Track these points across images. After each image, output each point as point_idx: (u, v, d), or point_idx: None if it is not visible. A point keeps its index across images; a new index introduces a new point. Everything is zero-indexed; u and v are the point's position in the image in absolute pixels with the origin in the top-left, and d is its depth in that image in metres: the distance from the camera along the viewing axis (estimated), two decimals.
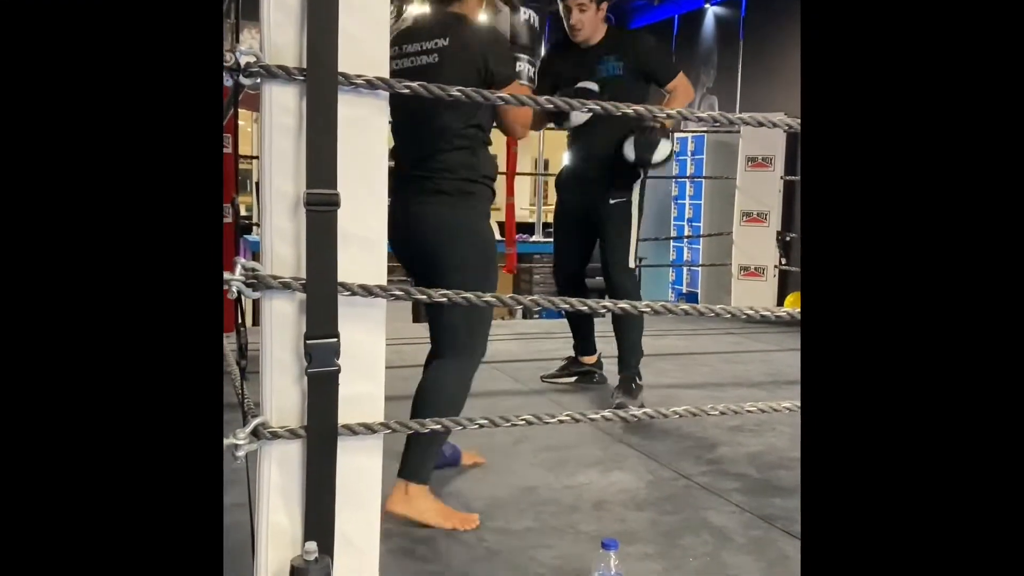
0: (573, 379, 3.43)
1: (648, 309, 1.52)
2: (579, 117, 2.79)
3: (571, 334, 3.43)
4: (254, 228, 5.73)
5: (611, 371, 3.26)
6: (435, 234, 2.01)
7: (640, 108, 1.50)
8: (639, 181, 3.03)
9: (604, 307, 1.46)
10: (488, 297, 1.39)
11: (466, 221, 2.03)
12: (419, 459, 1.96)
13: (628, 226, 3.03)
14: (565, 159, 3.29)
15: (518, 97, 1.48)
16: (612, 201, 3.03)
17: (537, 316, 6.19)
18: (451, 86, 1.38)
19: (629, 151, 2.85)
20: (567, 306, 1.41)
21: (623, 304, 1.48)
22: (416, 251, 2.05)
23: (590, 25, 2.95)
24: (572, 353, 3.47)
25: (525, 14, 2.13)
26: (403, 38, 2.04)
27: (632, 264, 3.05)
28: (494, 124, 2.13)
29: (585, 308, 1.44)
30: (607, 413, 1.51)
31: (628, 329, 3.09)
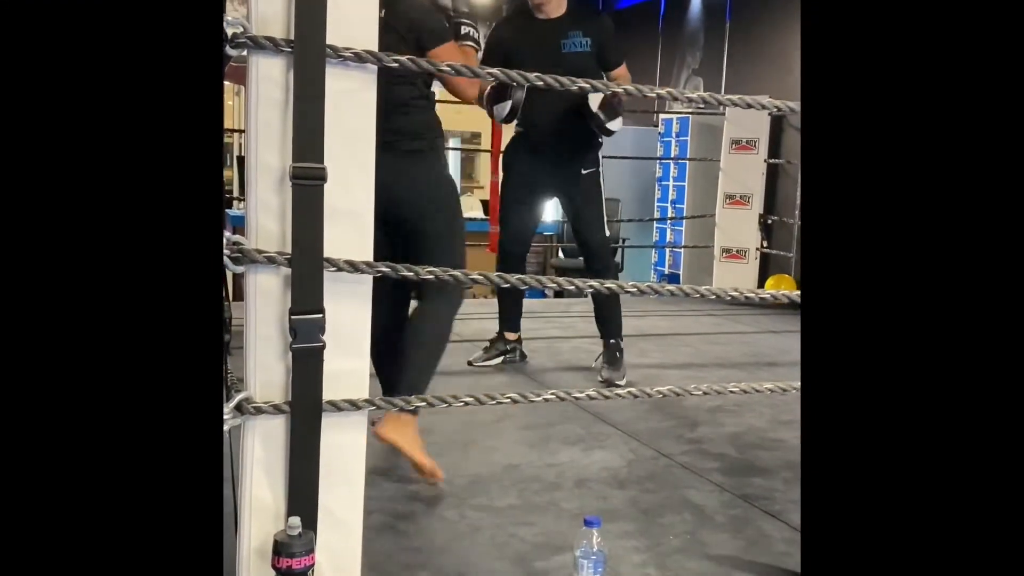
0: (500, 359, 3.38)
1: (634, 290, 1.53)
2: (503, 111, 2.74)
3: (497, 310, 3.41)
4: (235, 202, 5.68)
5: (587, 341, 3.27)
6: (416, 189, 2.15)
7: (613, 86, 1.49)
8: (599, 149, 3.07)
9: (591, 286, 1.46)
10: (475, 275, 1.38)
11: (441, 173, 2.23)
12: (415, 390, 2.05)
13: (599, 195, 3.06)
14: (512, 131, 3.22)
15: (467, 69, 1.45)
16: (584, 172, 3.03)
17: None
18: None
19: (594, 106, 2.83)
20: (553, 285, 1.41)
21: (609, 284, 1.48)
22: (395, 211, 2.12)
23: None
24: (498, 331, 3.43)
25: None
26: None
27: (607, 231, 3.11)
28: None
29: (572, 287, 1.44)
30: (591, 392, 1.52)
31: (612, 302, 3.15)
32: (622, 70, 3.02)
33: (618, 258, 6.35)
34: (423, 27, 2.07)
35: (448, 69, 1.42)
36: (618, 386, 2.89)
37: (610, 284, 1.47)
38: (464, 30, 2.18)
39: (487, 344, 3.42)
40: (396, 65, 1.32)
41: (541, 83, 1.44)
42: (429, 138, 2.18)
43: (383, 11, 1.99)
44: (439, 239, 2.17)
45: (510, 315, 3.39)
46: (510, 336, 3.40)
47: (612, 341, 3.12)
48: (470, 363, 3.36)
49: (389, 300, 2.25)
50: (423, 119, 2.17)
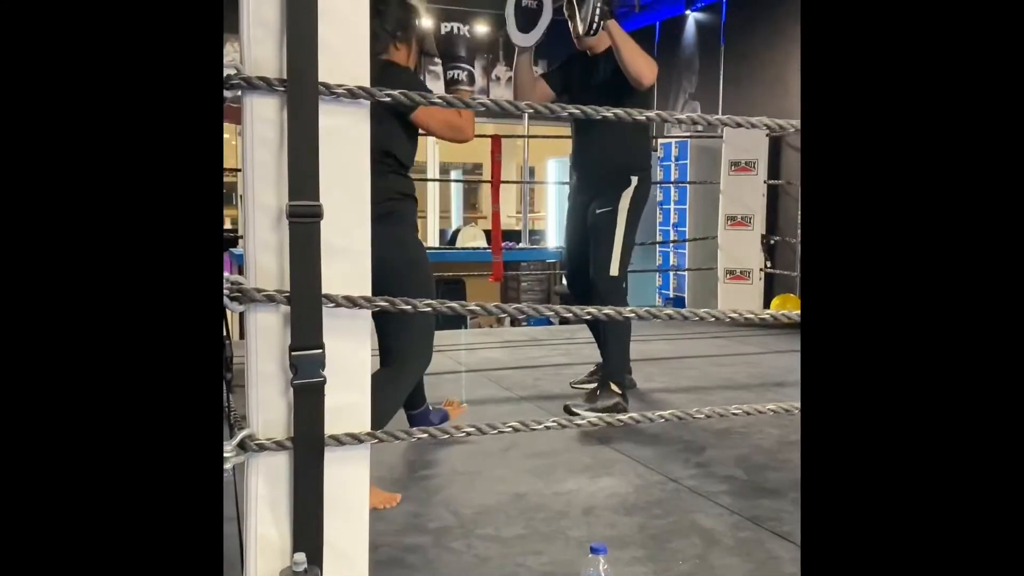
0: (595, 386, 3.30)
1: (632, 315, 1.53)
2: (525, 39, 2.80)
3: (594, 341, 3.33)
4: (239, 241, 5.70)
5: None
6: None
7: (620, 112, 1.50)
8: (630, 189, 2.98)
9: (589, 312, 1.47)
10: (472, 306, 1.39)
11: (393, 236, 2.16)
12: None
13: (610, 235, 2.98)
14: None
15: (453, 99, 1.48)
16: (598, 211, 3.02)
17: (524, 324, 6.19)
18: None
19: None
20: (551, 313, 1.42)
21: (608, 310, 1.49)
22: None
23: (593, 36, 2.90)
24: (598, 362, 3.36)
25: (448, 26, 2.21)
26: None
27: (614, 272, 2.98)
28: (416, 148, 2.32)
29: (570, 315, 1.45)
30: (593, 419, 1.52)
31: (608, 341, 3.01)
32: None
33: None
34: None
35: (440, 101, 1.44)
36: (578, 415, 2.61)
37: (608, 310, 1.47)
38: (450, 75, 2.17)
39: (592, 369, 3.43)
40: (389, 100, 1.34)
41: (532, 110, 1.47)
42: (392, 202, 2.20)
43: None
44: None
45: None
46: None
47: (604, 382, 2.95)
48: (572, 384, 3.42)
49: None
50: (383, 184, 2.14)
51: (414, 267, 2.23)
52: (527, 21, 2.81)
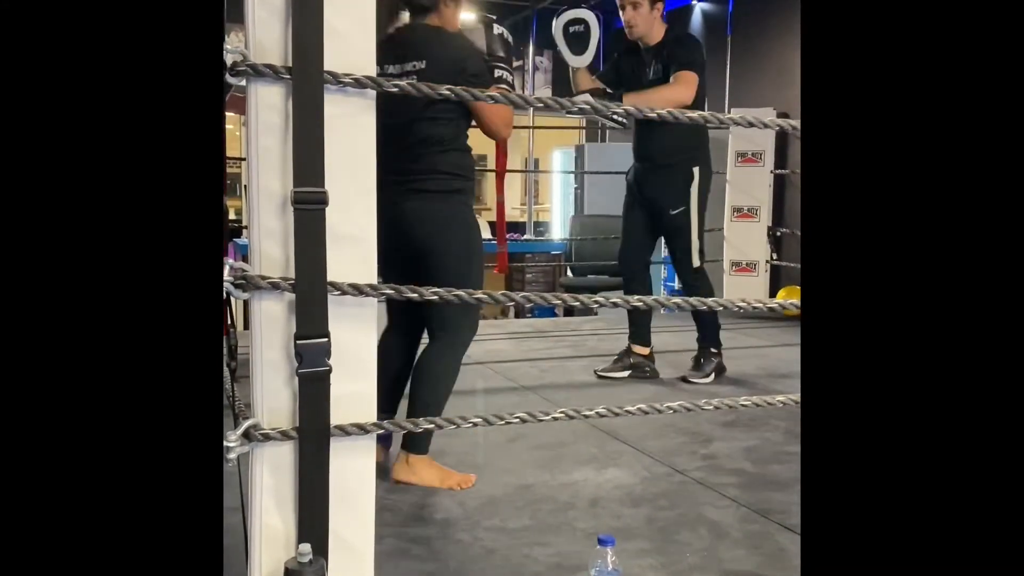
0: (627, 373, 3.43)
1: (640, 303, 1.52)
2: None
3: (627, 323, 3.50)
4: (243, 231, 5.69)
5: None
6: (426, 227, 2.18)
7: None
8: (695, 183, 3.21)
9: (597, 303, 1.45)
10: (479, 294, 1.38)
11: (457, 214, 2.22)
12: (419, 434, 2.15)
13: (688, 232, 3.25)
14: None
15: (499, 95, 1.47)
16: (673, 212, 3.24)
17: (530, 315, 6.18)
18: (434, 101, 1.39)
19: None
20: (558, 302, 1.40)
21: (615, 299, 1.47)
22: (405, 248, 2.18)
23: (644, 23, 3.07)
24: (627, 346, 3.49)
25: (498, 29, 2.24)
26: (382, 57, 2.08)
27: (696, 263, 3.28)
28: (471, 125, 2.26)
29: (578, 303, 1.44)
30: (601, 409, 1.50)
31: (701, 316, 3.36)
32: (677, 76, 3.03)
33: None
34: (465, 71, 2.08)
35: (448, 93, 1.42)
36: (693, 383, 3.32)
37: (615, 299, 1.46)
38: (498, 74, 2.18)
39: (616, 356, 3.48)
40: (396, 90, 1.33)
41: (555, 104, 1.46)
42: (460, 179, 2.20)
43: (424, 61, 2.12)
44: (453, 279, 2.12)
45: (638, 328, 3.46)
46: (639, 350, 3.46)
47: (703, 344, 3.41)
48: (597, 374, 3.44)
49: (404, 339, 2.35)
50: (454, 160, 2.19)
51: (475, 245, 2.26)
52: (579, 44, 3.01)
